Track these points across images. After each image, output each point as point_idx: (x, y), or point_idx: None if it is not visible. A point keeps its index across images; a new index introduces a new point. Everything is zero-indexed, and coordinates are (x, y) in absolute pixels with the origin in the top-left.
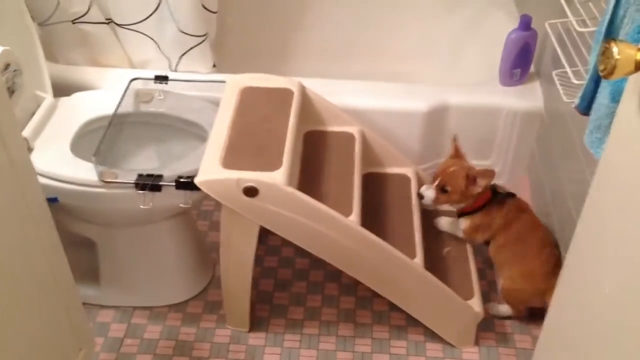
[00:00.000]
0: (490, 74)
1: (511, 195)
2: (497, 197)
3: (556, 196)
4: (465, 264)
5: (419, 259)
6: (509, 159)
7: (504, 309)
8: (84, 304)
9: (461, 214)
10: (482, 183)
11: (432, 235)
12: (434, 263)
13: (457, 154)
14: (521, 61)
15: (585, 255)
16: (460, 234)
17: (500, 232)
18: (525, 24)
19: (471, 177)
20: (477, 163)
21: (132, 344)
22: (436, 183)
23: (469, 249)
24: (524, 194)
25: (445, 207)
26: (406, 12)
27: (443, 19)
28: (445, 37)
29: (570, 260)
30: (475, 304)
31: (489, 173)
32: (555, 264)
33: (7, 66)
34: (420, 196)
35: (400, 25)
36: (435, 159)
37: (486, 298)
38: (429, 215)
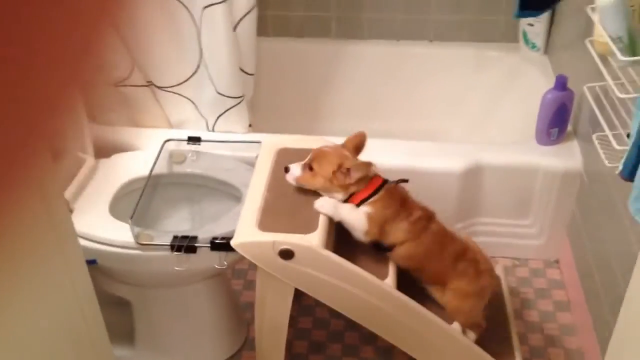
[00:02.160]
0: (524, 132)
1: (404, 181)
2: (387, 185)
3: (599, 257)
4: (505, 328)
5: (457, 324)
6: (547, 219)
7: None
8: None
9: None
10: (355, 175)
11: None
12: None
13: (348, 146)
14: (558, 121)
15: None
16: (362, 226)
17: (410, 241)
18: (562, 84)
19: (343, 168)
20: (514, 222)
21: None
22: (306, 160)
23: (509, 312)
24: (565, 255)
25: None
26: (437, 70)
27: (474, 77)
28: (477, 95)
29: (621, 328)
30: None
31: (364, 165)
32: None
33: None
34: (287, 169)
35: (432, 83)
36: (472, 218)
37: None
38: None
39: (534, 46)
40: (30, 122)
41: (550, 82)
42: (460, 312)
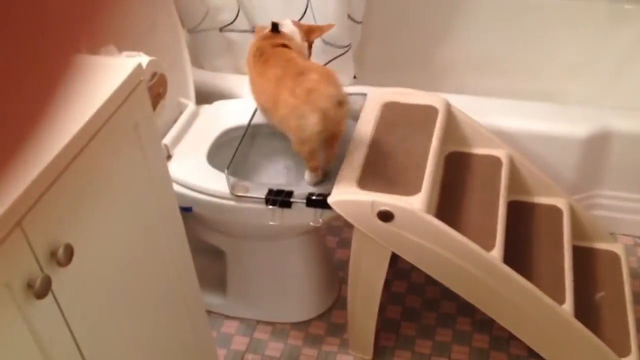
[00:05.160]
0: None
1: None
2: None
3: None
4: (622, 314)
5: (568, 305)
6: None
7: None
8: (211, 312)
9: None
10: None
11: (583, 277)
12: (585, 310)
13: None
14: None
15: None
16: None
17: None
18: None
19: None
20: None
21: None
22: None
23: (627, 296)
24: None
25: None
26: (564, 24)
27: (608, 34)
28: (609, 53)
29: None
30: None
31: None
32: None
33: (153, 75)
34: None
35: (557, 39)
36: (592, 190)
37: None
38: (582, 254)
39: None
40: None
41: None
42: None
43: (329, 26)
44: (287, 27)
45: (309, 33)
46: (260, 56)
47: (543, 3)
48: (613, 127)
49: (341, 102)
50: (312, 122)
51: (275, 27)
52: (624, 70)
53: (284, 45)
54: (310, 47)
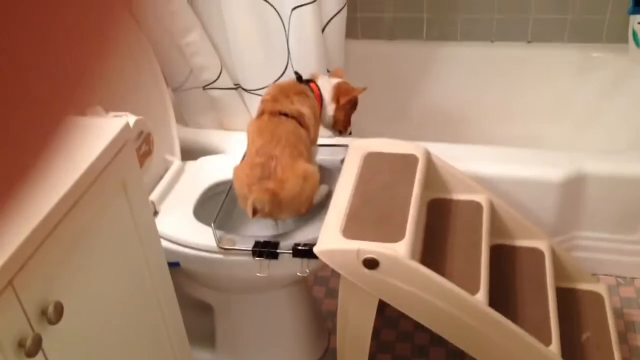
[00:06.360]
0: (634, 140)
1: None
2: None
3: None
4: (608, 353)
5: (555, 347)
6: None
7: None
8: None
9: None
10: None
11: (568, 318)
12: (572, 351)
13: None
14: None
15: None
16: None
17: None
18: None
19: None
20: (619, 237)
21: None
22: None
23: (612, 336)
24: None
25: None
26: (535, 73)
27: (577, 80)
28: (579, 100)
29: None
30: None
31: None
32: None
33: (140, 134)
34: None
35: (529, 87)
36: (571, 231)
37: None
38: (566, 295)
39: None
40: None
41: None
42: None
43: (362, 89)
44: (323, 82)
45: (340, 94)
46: (259, 115)
47: (514, 53)
48: (588, 170)
49: (255, 211)
50: (246, 207)
51: (299, 78)
52: (595, 114)
53: (284, 114)
54: (341, 109)
